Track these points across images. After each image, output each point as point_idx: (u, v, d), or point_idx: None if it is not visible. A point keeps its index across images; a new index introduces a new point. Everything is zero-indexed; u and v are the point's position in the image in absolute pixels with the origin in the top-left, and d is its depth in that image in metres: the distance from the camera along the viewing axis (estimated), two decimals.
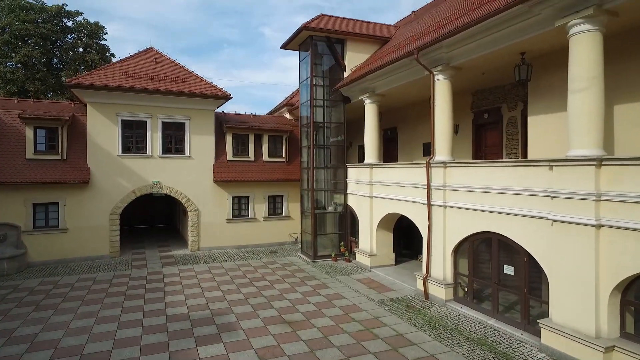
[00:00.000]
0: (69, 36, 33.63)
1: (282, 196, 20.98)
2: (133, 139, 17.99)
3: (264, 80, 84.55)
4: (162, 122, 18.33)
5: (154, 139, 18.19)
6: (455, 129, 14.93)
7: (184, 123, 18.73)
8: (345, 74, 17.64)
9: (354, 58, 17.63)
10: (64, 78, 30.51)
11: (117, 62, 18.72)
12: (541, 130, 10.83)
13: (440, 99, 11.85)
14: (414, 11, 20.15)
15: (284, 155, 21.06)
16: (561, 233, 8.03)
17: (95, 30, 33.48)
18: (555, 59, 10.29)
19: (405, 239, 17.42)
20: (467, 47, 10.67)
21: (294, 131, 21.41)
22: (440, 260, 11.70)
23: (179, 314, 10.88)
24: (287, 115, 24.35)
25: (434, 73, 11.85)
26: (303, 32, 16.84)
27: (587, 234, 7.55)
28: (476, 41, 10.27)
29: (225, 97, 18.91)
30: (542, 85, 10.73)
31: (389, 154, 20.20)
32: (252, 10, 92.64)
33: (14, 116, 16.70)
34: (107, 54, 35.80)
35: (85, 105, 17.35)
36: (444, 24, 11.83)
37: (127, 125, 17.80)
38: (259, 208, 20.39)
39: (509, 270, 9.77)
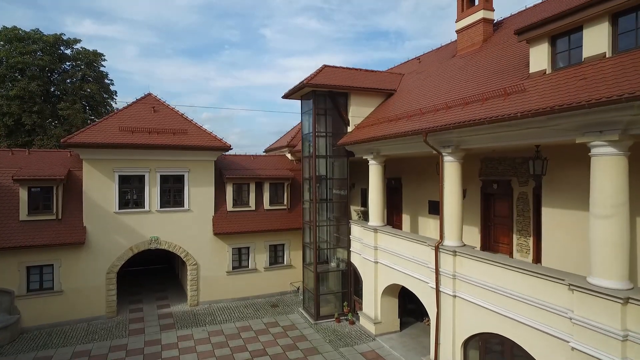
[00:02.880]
0: (67, 63, 33.19)
1: (283, 244, 20.48)
2: (130, 194, 17.52)
3: (264, 81, 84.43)
4: (161, 176, 17.84)
5: (152, 193, 17.70)
6: (463, 194, 14.48)
7: (183, 175, 18.25)
8: (349, 129, 17.18)
9: (358, 112, 17.16)
10: (60, 111, 30.02)
11: (115, 113, 18.24)
12: (556, 224, 10.36)
13: (450, 182, 11.38)
14: (418, 58, 19.69)
15: (285, 203, 20.58)
16: None
17: (93, 59, 32.99)
18: (573, 155, 9.80)
19: (411, 293, 16.89)
20: (478, 137, 10.21)
21: (295, 177, 20.94)
22: (449, 351, 11.20)
23: None
24: (289, 156, 23.88)
25: (443, 154, 11.39)
26: (305, 88, 16.38)
27: None
28: (488, 134, 9.81)
29: (225, 149, 18.47)
30: (558, 179, 10.26)
31: (393, 203, 19.70)
32: (252, 12, 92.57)
33: (7, 175, 16.21)
34: (106, 80, 35.39)
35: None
36: (453, 105, 11.35)
37: (124, 180, 17.32)
38: (259, 258, 19.90)
39: None
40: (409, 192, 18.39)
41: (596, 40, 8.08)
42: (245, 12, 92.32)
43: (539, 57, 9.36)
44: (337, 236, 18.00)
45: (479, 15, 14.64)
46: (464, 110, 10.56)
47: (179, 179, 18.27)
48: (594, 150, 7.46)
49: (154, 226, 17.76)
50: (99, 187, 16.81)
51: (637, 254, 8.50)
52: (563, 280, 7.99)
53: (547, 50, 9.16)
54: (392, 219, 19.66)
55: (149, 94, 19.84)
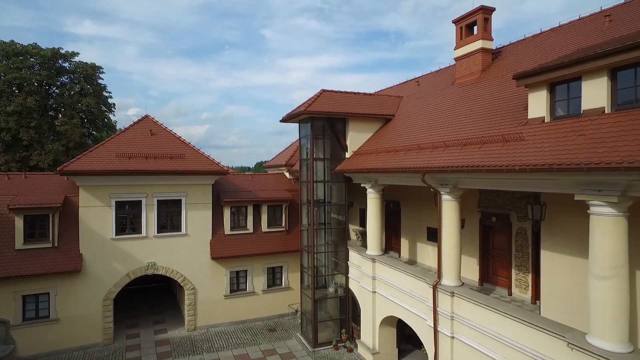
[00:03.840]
0: (65, 76, 33.06)
1: (281, 267, 20.36)
2: (127, 219, 17.40)
3: (265, 82, 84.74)
4: (158, 201, 17.74)
5: (149, 219, 17.60)
6: (462, 224, 14.37)
7: (181, 199, 18.15)
8: (347, 154, 17.09)
9: (356, 137, 17.08)
10: (58, 126, 29.93)
11: (112, 138, 18.11)
12: (556, 270, 10.21)
13: (448, 221, 11.31)
14: (417, 81, 19.60)
15: (283, 225, 20.47)
16: None
17: (91, 74, 32.88)
18: (573, 201, 9.67)
19: None
20: (476, 180, 10.14)
21: (293, 198, 20.83)
22: None
23: None
24: (287, 175, 23.77)
25: (441, 193, 11.30)
26: (303, 115, 16.27)
27: None
28: (486, 179, 9.74)
29: (223, 173, 18.38)
30: (558, 224, 10.13)
31: (391, 226, 19.52)
32: (253, 13, 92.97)
33: (3, 203, 16.12)
34: (104, 93, 35.30)
35: None
36: (451, 144, 11.25)
37: (121, 206, 17.22)
38: (257, 281, 19.78)
39: None
40: (407, 216, 18.25)
41: (595, 93, 7.98)
42: (245, 13, 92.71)
43: (538, 104, 9.26)
44: (335, 261, 17.90)
45: (478, 44, 14.55)
46: (462, 152, 10.47)
47: (176, 203, 18.17)
48: (592, 209, 7.36)
49: (151, 251, 17.65)
50: (96, 214, 16.71)
51: (638, 314, 8.38)
52: (563, 336, 7.89)
53: (545, 98, 9.06)
54: (391, 242, 19.52)
55: (146, 117, 19.76)
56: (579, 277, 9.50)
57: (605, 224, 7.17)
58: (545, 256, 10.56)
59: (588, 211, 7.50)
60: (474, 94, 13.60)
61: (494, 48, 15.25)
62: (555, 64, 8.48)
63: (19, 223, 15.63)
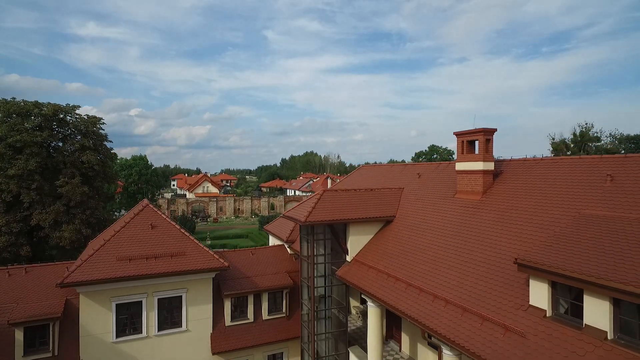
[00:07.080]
0: (66, 128, 33.08)
1: (282, 352, 20.29)
2: (128, 320, 17.37)
3: (266, 82, 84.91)
4: (158, 299, 17.71)
5: (150, 317, 17.57)
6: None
7: (181, 296, 18.12)
8: (348, 258, 17.06)
9: (357, 241, 17.07)
10: (58, 188, 29.94)
11: (112, 236, 18.03)
12: None
13: None
14: (418, 173, 19.55)
15: (284, 310, 20.42)
16: None
17: (93, 130, 32.90)
18: None
19: None
20: None
21: (294, 280, 20.78)
22: None
23: None
24: (288, 250, 23.74)
25: (443, 350, 11.24)
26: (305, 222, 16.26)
27: None
28: None
29: (224, 269, 18.32)
30: None
31: (393, 315, 19.53)
32: (255, 14, 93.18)
33: (3, 313, 16.10)
34: (105, 142, 35.35)
35: None
36: (452, 301, 11.20)
37: (121, 308, 17.18)
38: None
39: None
40: None
41: (597, 313, 7.93)
42: (248, 14, 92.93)
43: (539, 294, 9.20)
44: (337, 358, 17.86)
45: (479, 166, 14.49)
46: (462, 319, 10.43)
47: (177, 300, 18.12)
48: None
49: (152, 351, 17.59)
50: (96, 318, 16.68)
51: None
52: None
53: (547, 292, 9.01)
54: (392, 330, 19.47)
55: (147, 206, 19.79)
56: None
57: None
58: None
59: None
60: (475, 224, 13.52)
61: (495, 161, 15.19)
62: (558, 272, 8.42)
63: (19, 335, 15.61)
